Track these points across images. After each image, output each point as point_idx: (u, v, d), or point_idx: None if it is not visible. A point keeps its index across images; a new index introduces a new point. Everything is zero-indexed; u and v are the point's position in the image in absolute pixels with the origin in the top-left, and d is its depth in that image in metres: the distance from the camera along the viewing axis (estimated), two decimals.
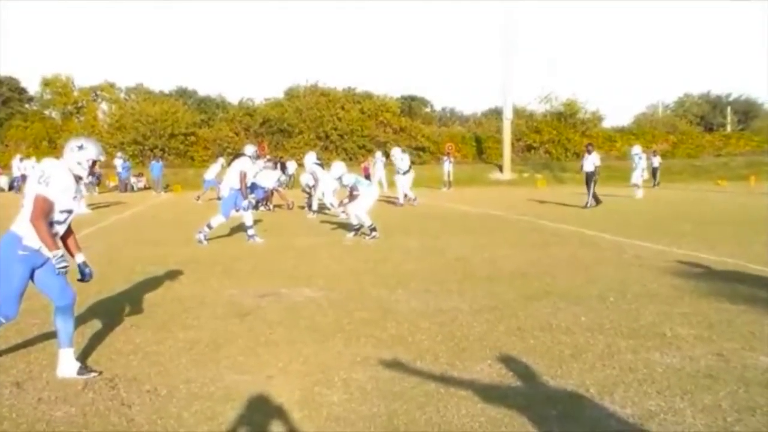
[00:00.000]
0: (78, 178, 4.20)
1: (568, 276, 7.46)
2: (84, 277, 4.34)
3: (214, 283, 7.27)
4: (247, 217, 11.08)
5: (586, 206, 17.81)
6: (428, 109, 63.54)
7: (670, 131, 46.22)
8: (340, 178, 11.80)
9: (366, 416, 3.49)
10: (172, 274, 7.65)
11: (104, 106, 47.32)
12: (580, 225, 12.89)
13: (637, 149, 23.48)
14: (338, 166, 12.15)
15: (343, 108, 42.51)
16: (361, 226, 11.38)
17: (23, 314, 5.65)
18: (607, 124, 47.67)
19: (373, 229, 11.12)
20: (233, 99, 51.06)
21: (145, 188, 32.95)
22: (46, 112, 45.79)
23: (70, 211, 4.21)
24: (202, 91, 56.59)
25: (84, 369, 4.17)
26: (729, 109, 58.82)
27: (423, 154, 40.98)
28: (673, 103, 61.18)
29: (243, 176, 10.86)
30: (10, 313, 4.13)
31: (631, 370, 4.16)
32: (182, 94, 53.71)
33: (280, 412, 3.55)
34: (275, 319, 5.61)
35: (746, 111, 60.15)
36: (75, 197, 4.23)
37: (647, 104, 62.96)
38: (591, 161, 18.69)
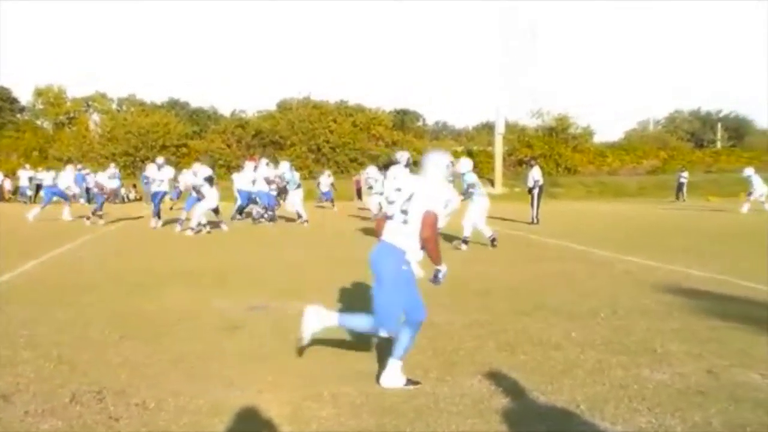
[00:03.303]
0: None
1: (559, 291, 7.47)
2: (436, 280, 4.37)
3: (204, 295, 7.23)
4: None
5: (533, 222, 17.58)
6: (420, 123, 63.84)
7: (660, 147, 46.66)
8: (463, 175, 11.48)
9: (355, 431, 3.47)
10: (162, 286, 7.60)
11: (96, 116, 47.35)
12: (571, 240, 12.93)
13: (750, 171, 23.10)
14: (465, 162, 11.76)
15: (335, 121, 42.69)
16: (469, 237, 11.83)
17: (11, 325, 5.62)
18: (597, 139, 48.10)
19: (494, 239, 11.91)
20: (225, 111, 51.21)
21: (136, 199, 32.89)
22: (38, 122, 45.72)
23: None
24: (194, 103, 56.60)
25: (410, 381, 4.13)
26: (719, 125, 59.43)
27: (415, 168, 41.09)
28: (663, 119, 61.76)
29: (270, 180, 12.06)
30: (393, 326, 4.17)
31: (621, 387, 4.15)
32: (174, 105, 53.74)
33: (269, 427, 3.52)
34: (265, 332, 5.57)
35: (736, 128, 60.77)
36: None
37: (638, 120, 63.51)
38: (531, 176, 18.42)
